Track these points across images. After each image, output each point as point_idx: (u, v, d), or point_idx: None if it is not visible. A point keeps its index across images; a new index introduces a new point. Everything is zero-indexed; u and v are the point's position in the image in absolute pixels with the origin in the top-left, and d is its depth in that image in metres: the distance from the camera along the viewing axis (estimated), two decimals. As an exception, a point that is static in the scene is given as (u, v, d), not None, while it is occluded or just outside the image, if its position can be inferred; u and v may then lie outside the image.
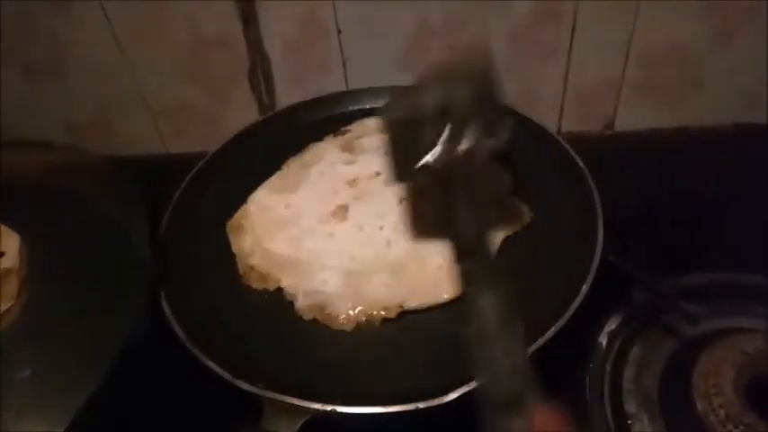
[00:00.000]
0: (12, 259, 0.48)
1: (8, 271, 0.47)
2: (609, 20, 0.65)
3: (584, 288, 0.44)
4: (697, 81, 0.70)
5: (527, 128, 0.60)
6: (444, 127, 0.40)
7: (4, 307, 0.45)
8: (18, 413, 0.40)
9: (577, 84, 0.71)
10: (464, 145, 0.40)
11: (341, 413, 0.39)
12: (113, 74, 0.70)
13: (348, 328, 0.46)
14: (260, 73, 0.71)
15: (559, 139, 0.57)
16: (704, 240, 0.58)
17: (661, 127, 0.74)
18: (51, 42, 0.68)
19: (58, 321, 0.45)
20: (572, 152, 0.55)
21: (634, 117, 0.73)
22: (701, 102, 0.72)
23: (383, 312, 0.46)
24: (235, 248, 0.52)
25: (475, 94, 0.41)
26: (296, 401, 0.39)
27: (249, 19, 0.66)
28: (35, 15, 0.66)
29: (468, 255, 0.38)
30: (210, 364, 0.41)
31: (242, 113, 0.73)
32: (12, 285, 0.47)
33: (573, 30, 0.66)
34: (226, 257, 0.52)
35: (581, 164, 0.54)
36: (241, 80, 0.71)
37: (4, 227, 0.50)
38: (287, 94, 0.72)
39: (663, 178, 0.67)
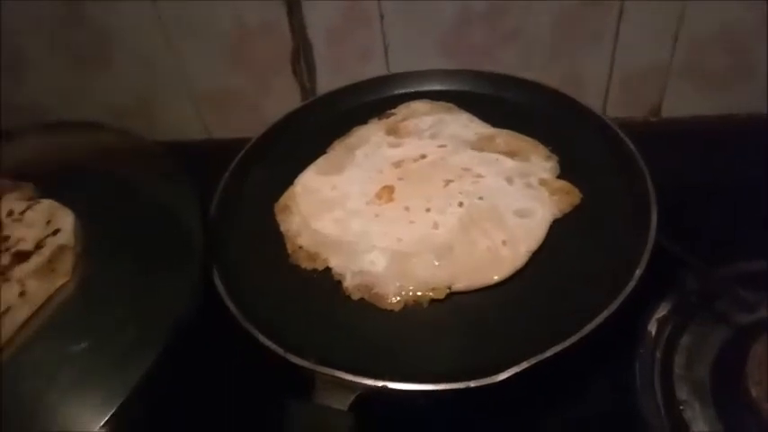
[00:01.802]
0: (66, 236, 0.49)
1: (63, 247, 0.48)
2: (657, 3, 0.64)
3: (638, 272, 0.43)
4: (747, 67, 0.68)
5: (575, 110, 0.59)
6: None
7: (60, 282, 0.46)
8: (74, 386, 0.41)
9: (623, 69, 0.70)
10: None
11: (392, 389, 0.39)
12: (158, 60, 0.72)
13: (396, 308, 0.46)
14: (302, 59, 0.71)
15: (608, 120, 0.57)
16: (752, 227, 0.57)
17: (708, 114, 0.72)
18: (98, 29, 0.70)
19: (113, 298, 0.46)
20: (621, 134, 0.54)
21: (681, 103, 0.72)
22: (751, 88, 0.70)
23: (431, 293, 0.46)
24: (283, 229, 0.52)
25: None
26: (347, 377, 0.39)
27: (293, 5, 0.67)
28: (82, 3, 0.67)
29: None
30: (263, 339, 0.42)
31: (284, 100, 0.73)
32: (67, 261, 0.48)
33: (620, 13, 0.65)
34: (274, 237, 0.52)
35: (631, 146, 0.53)
36: (283, 67, 0.72)
37: (58, 205, 0.52)
38: (328, 81, 0.72)
39: (709, 165, 0.65)
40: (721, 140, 0.68)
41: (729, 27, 0.65)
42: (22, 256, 0.48)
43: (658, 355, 0.47)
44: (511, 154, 0.54)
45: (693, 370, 0.46)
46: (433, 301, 0.46)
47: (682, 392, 0.45)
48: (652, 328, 0.49)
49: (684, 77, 0.70)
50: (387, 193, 0.52)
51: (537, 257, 0.47)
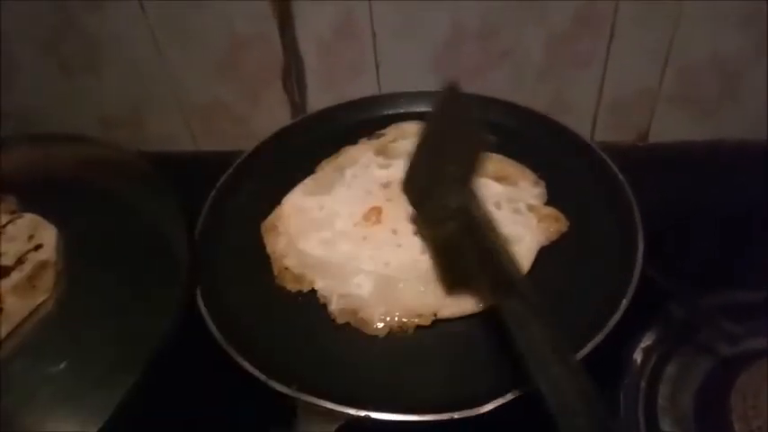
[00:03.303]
0: (48, 252, 0.48)
1: (45, 263, 0.48)
2: (648, 29, 0.64)
3: (624, 303, 0.43)
4: (735, 93, 0.69)
5: (563, 136, 0.59)
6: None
7: (40, 299, 0.45)
8: (52, 407, 0.40)
9: (612, 93, 0.70)
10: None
11: (375, 420, 0.39)
12: (148, 71, 0.71)
13: (381, 333, 0.45)
14: (293, 74, 0.71)
15: (597, 148, 0.57)
16: (740, 256, 0.57)
17: (696, 139, 0.73)
18: (89, 38, 0.69)
19: (94, 316, 0.45)
20: (610, 162, 0.55)
21: (669, 129, 0.72)
22: (739, 115, 0.70)
23: (417, 320, 0.45)
24: (269, 249, 0.52)
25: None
26: (330, 406, 0.39)
27: (285, 20, 0.66)
28: (72, 11, 0.67)
29: (508, 295, 0.37)
30: (245, 363, 0.41)
31: (273, 114, 0.73)
32: (48, 278, 0.47)
33: (611, 38, 0.66)
34: (260, 258, 0.52)
35: (620, 176, 0.53)
36: (274, 81, 0.71)
37: (41, 219, 0.51)
38: (319, 96, 0.72)
39: (697, 191, 0.65)
40: (709, 167, 0.69)
41: (719, 53, 0.66)
42: (1, 272, 0.47)
43: (643, 385, 0.47)
44: (499, 179, 0.54)
45: (677, 401, 0.46)
46: (418, 327, 0.45)
47: (665, 423, 0.45)
48: (637, 357, 0.49)
49: (673, 103, 0.70)
50: (375, 214, 0.52)
51: (523, 285, 0.47)
